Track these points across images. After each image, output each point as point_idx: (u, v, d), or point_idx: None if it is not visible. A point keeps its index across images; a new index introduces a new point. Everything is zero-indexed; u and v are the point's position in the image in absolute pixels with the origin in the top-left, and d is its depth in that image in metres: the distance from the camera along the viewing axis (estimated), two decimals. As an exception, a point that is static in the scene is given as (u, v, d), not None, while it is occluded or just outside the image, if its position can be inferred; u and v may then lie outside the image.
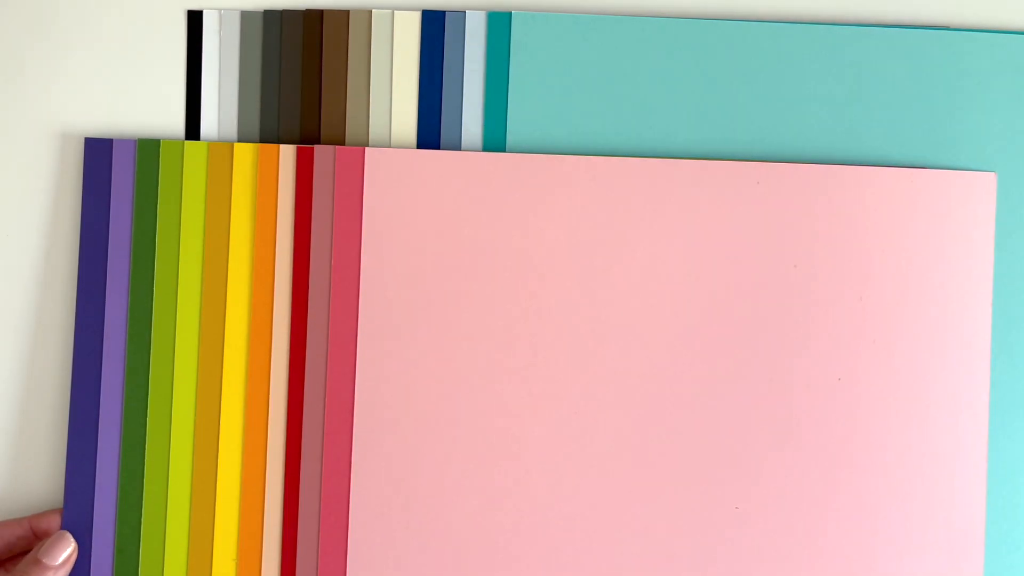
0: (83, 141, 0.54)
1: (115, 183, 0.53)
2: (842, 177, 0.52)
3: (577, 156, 0.52)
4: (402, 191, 0.52)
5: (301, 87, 0.54)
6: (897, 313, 0.52)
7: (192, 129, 0.54)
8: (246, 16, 0.54)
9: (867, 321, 0.52)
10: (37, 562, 0.50)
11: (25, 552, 0.52)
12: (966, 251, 0.52)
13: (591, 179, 0.52)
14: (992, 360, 0.52)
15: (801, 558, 0.51)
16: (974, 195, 0.52)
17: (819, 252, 0.52)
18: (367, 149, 0.52)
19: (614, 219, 0.52)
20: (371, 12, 0.54)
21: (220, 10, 0.54)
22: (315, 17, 0.54)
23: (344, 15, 0.54)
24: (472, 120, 0.53)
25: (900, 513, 0.51)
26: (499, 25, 0.53)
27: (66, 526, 0.52)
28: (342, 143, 0.54)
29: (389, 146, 0.54)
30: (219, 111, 0.54)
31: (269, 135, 0.54)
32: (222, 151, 0.53)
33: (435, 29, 0.54)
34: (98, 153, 0.53)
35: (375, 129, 0.54)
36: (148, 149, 0.53)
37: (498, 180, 0.52)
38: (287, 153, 0.53)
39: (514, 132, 0.53)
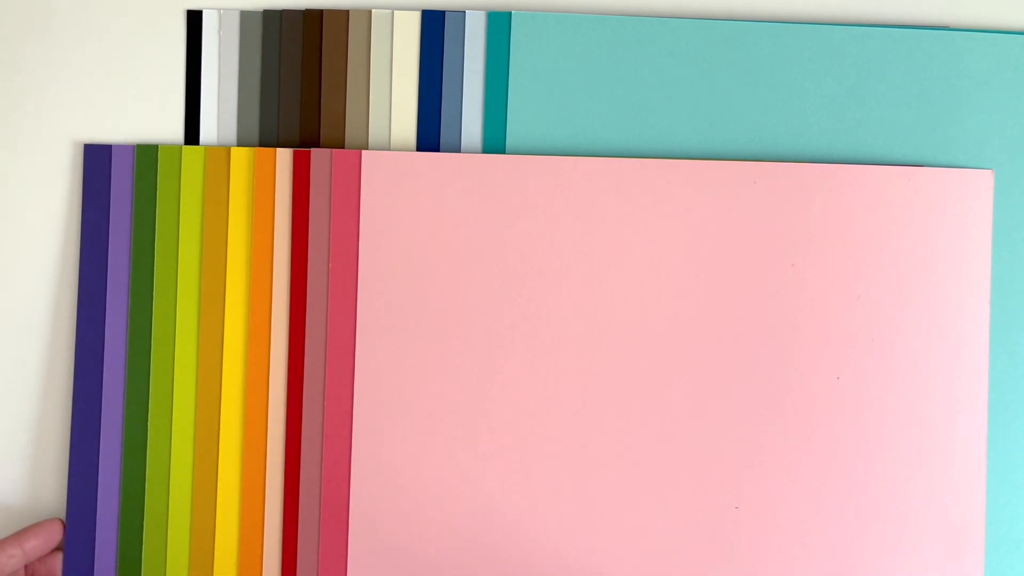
0: (82, 147, 0.54)
1: (114, 189, 0.53)
2: (839, 176, 0.52)
3: (572, 157, 0.52)
4: (399, 194, 0.52)
5: (301, 87, 0.54)
6: (895, 311, 0.52)
7: (192, 129, 0.54)
8: (246, 16, 0.54)
9: (865, 320, 0.52)
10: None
11: None
12: (964, 248, 0.52)
13: (587, 181, 0.52)
14: (991, 358, 0.52)
15: (801, 557, 0.51)
16: (971, 192, 0.52)
17: (817, 251, 0.52)
18: (364, 152, 0.52)
19: (611, 220, 0.52)
20: (371, 12, 0.54)
21: (220, 10, 0.54)
22: (315, 17, 0.54)
23: (344, 15, 0.54)
24: (472, 120, 0.53)
25: (900, 512, 0.51)
26: (499, 25, 0.53)
27: (69, 529, 0.53)
28: (342, 144, 0.53)
29: (389, 146, 0.54)
30: (218, 111, 0.54)
31: (268, 135, 0.54)
32: (219, 155, 0.53)
33: (435, 29, 0.54)
34: (97, 159, 0.53)
35: (375, 129, 0.54)
36: (146, 154, 0.53)
37: (495, 182, 0.52)
38: (284, 157, 0.53)
39: (514, 132, 0.53)
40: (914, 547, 0.51)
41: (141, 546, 0.53)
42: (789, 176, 0.52)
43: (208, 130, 0.54)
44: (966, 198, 0.52)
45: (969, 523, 0.51)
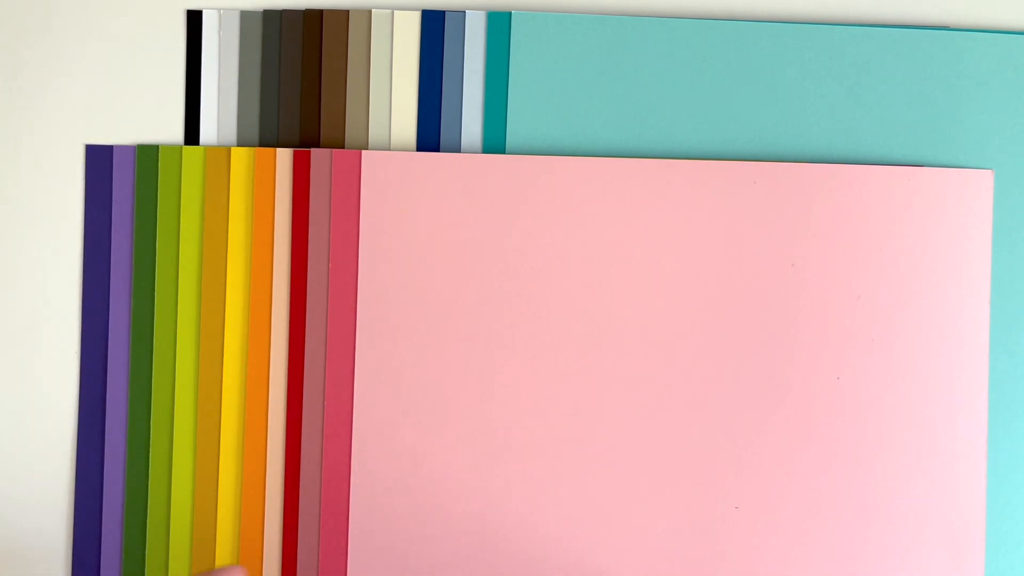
0: (84, 148, 0.54)
1: (116, 189, 0.53)
2: (839, 176, 0.52)
3: (572, 157, 0.52)
4: (399, 194, 0.52)
5: (301, 87, 0.54)
6: (895, 312, 0.52)
7: (192, 129, 0.54)
8: (245, 16, 0.54)
9: (865, 320, 0.52)
10: None
11: None
12: (964, 249, 0.52)
13: (587, 181, 0.52)
14: (991, 358, 0.52)
15: (801, 557, 0.51)
16: (971, 193, 0.52)
17: (817, 251, 0.52)
18: (364, 152, 0.52)
19: (611, 220, 0.52)
20: (371, 12, 0.54)
21: (220, 10, 0.54)
22: (315, 17, 0.54)
23: (344, 15, 0.54)
24: (472, 120, 0.53)
25: (900, 512, 0.51)
26: (499, 25, 0.53)
27: (76, 526, 0.53)
28: (341, 144, 0.53)
29: (389, 146, 0.54)
30: (219, 111, 0.54)
31: (268, 135, 0.54)
32: (219, 155, 0.53)
33: (435, 29, 0.54)
34: (99, 160, 0.53)
35: (374, 129, 0.54)
36: (147, 155, 0.53)
37: (495, 182, 0.52)
38: (284, 157, 0.53)
39: (514, 132, 0.53)
40: (914, 547, 0.51)
41: (145, 543, 0.53)
42: (789, 176, 0.52)
43: (208, 130, 0.54)
44: (966, 198, 0.52)
45: (970, 523, 0.51)
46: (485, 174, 0.52)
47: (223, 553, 0.52)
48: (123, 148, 0.53)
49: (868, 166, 0.52)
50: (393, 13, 0.54)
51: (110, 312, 0.53)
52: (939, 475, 0.51)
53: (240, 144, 0.54)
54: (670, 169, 0.52)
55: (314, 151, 0.52)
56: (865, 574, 0.51)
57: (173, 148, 0.53)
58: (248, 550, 0.52)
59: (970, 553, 0.51)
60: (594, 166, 0.52)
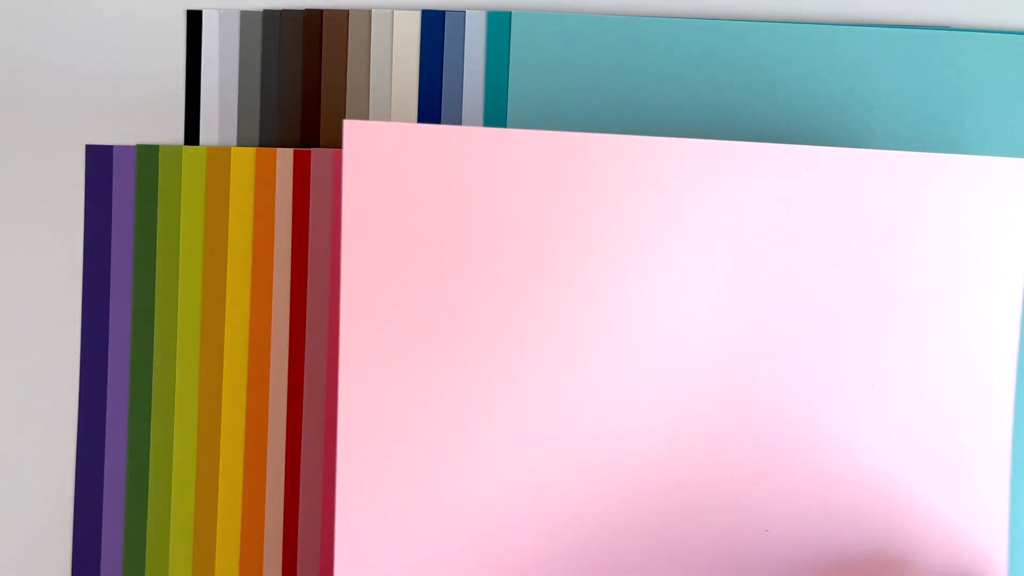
0: (84, 148, 0.54)
1: (116, 189, 0.53)
2: (880, 162, 0.48)
3: (581, 133, 0.48)
4: (392, 167, 0.49)
5: (301, 87, 0.54)
6: (931, 314, 0.49)
7: (192, 129, 0.54)
8: (246, 16, 0.54)
9: (902, 323, 0.49)
10: None
11: None
12: (997, 241, 0.49)
13: (589, 157, 0.48)
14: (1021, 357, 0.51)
15: (831, 572, 0.49)
16: (1009, 183, 0.48)
17: (858, 246, 0.49)
18: (349, 121, 0.48)
19: (616, 206, 0.49)
20: (371, 12, 0.54)
21: (220, 10, 0.54)
22: (315, 17, 0.54)
23: (344, 15, 0.54)
24: (472, 120, 0.53)
25: (925, 522, 0.49)
26: (499, 25, 0.53)
27: (77, 526, 0.53)
28: (341, 144, 0.53)
29: (389, 146, 0.54)
30: (219, 111, 0.54)
31: (268, 135, 0.54)
32: (220, 156, 0.53)
33: (435, 29, 0.54)
34: (99, 160, 0.54)
35: (375, 129, 0.54)
36: (147, 155, 0.53)
37: (501, 160, 0.48)
38: (285, 157, 0.53)
39: (514, 132, 0.53)
40: (937, 556, 0.50)
41: (145, 544, 0.53)
42: (840, 161, 0.48)
43: (208, 130, 0.54)
44: (1002, 188, 0.49)
45: (992, 529, 0.49)
46: (491, 148, 0.48)
47: (224, 555, 0.52)
48: (123, 148, 0.53)
49: (904, 152, 0.48)
50: (393, 13, 0.54)
51: (110, 312, 0.53)
52: (963, 489, 0.49)
53: (240, 144, 0.54)
54: (686, 149, 0.48)
55: (315, 151, 0.53)
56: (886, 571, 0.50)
57: (173, 148, 0.53)
58: (249, 551, 0.52)
59: (993, 557, 0.50)
60: (605, 144, 0.48)
